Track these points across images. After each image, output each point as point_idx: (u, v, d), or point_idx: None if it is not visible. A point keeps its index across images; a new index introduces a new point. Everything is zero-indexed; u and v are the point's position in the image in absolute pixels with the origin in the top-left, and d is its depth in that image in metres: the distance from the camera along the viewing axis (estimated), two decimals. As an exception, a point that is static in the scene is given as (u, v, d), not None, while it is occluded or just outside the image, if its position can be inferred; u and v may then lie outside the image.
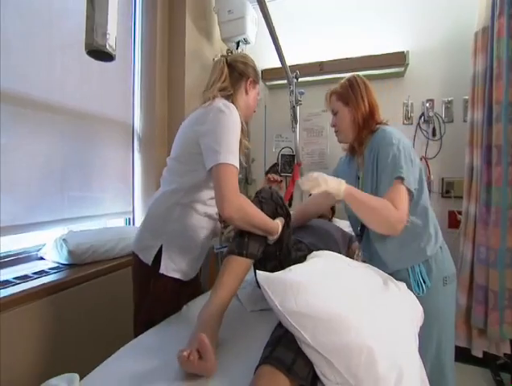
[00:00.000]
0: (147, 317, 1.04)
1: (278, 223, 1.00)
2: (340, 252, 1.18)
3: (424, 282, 1.04)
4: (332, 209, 1.79)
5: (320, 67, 2.11)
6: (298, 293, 0.68)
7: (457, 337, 1.73)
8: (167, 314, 1.03)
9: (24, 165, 1.27)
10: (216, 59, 2.03)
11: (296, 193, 2.19)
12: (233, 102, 1.05)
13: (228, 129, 0.95)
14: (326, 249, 1.01)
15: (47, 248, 1.37)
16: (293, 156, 2.29)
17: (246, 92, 1.16)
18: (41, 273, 1.23)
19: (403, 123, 2.06)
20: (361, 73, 1.99)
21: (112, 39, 0.51)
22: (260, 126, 2.39)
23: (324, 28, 2.23)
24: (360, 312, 0.69)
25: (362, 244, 1.22)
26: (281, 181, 1.49)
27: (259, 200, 1.01)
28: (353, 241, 1.49)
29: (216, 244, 1.68)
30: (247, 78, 1.15)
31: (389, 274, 0.95)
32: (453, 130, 1.95)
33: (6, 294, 1.03)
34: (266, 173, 2.39)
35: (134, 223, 1.87)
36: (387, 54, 1.96)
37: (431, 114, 1.96)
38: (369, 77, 2.02)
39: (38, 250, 1.40)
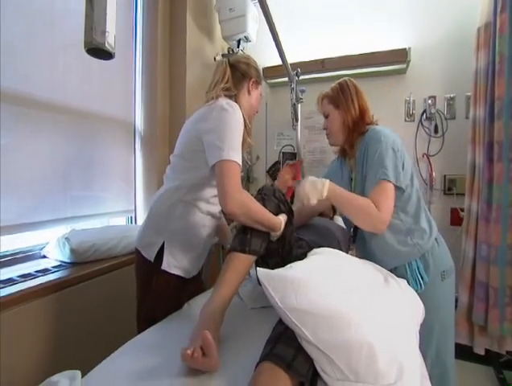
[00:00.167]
0: (149, 314, 1.05)
1: (281, 219, 1.00)
2: (341, 250, 1.19)
3: (422, 278, 1.04)
4: (333, 207, 1.79)
5: (321, 65, 2.10)
6: (298, 289, 0.69)
7: (459, 334, 1.73)
8: (168, 311, 1.04)
9: (27, 164, 1.27)
10: (217, 57, 2.06)
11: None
12: (235, 102, 1.06)
13: (231, 126, 0.95)
14: (327, 247, 1.01)
15: (50, 246, 1.38)
16: (294, 154, 2.29)
17: (249, 93, 1.16)
18: (44, 272, 1.24)
19: (405, 120, 2.05)
20: (362, 70, 2.04)
21: (111, 37, 0.51)
22: (261, 124, 2.38)
23: (325, 25, 2.22)
24: (360, 308, 0.69)
25: (357, 243, 1.24)
26: (300, 162, 1.52)
27: (262, 197, 1.02)
28: None
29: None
30: (249, 78, 1.16)
31: None
32: (455, 127, 1.94)
33: (9, 292, 1.04)
34: (268, 171, 2.40)
35: (136, 222, 1.88)
36: (389, 51, 1.95)
37: (433, 111, 1.95)
38: (371, 74, 2.06)
39: (41, 249, 1.41)
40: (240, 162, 0.94)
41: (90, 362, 0.75)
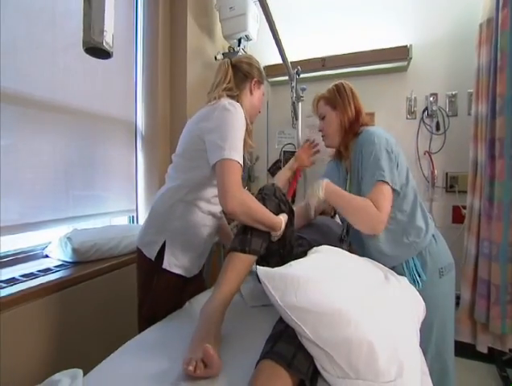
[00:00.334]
0: (150, 312, 1.05)
1: (282, 219, 1.00)
2: (341, 248, 1.19)
3: (419, 276, 1.04)
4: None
5: (322, 63, 2.09)
6: (298, 287, 0.69)
7: (462, 332, 1.72)
8: (169, 309, 1.04)
9: (29, 164, 1.28)
10: (218, 56, 2.06)
11: (299, 190, 2.19)
12: (238, 102, 1.06)
13: (232, 126, 0.95)
14: (328, 245, 1.01)
15: (52, 246, 1.39)
16: (295, 152, 2.28)
17: (251, 93, 1.17)
18: (46, 271, 1.24)
19: (406, 118, 2.04)
20: (363, 68, 2.02)
21: (109, 36, 0.51)
22: (262, 123, 2.38)
23: (325, 23, 2.21)
24: (360, 306, 0.69)
25: (353, 244, 1.26)
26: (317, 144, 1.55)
27: (262, 196, 1.02)
28: None
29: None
30: (252, 78, 1.16)
31: None
32: (457, 124, 1.93)
33: (12, 292, 1.05)
34: (269, 170, 2.40)
35: (137, 221, 1.88)
36: (390, 48, 1.93)
37: (434, 108, 1.93)
38: (372, 72, 2.05)
39: (43, 248, 1.42)
40: (241, 162, 0.94)
41: (92, 361, 0.76)
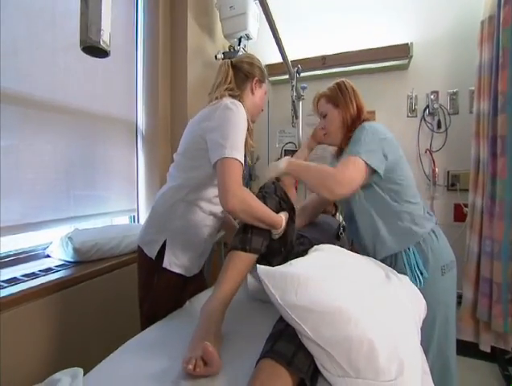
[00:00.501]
0: (151, 311, 1.06)
1: (282, 216, 0.99)
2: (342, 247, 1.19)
3: (421, 274, 1.04)
4: (335, 204, 1.79)
5: (322, 61, 2.09)
6: (298, 286, 0.69)
7: (464, 331, 1.72)
8: (170, 308, 1.04)
9: (30, 165, 1.29)
10: (218, 56, 2.06)
11: (301, 189, 2.19)
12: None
13: (234, 125, 0.95)
14: (329, 244, 1.01)
15: (54, 246, 1.40)
16: (296, 151, 2.28)
17: (252, 93, 1.16)
18: (48, 271, 1.25)
19: (407, 116, 2.03)
20: (364, 66, 2.02)
21: (106, 35, 0.51)
22: (263, 122, 2.38)
23: (326, 22, 2.20)
24: (361, 305, 0.69)
25: (353, 237, 1.26)
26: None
27: (263, 195, 1.01)
28: None
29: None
30: (253, 78, 1.15)
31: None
32: (459, 122, 1.92)
33: (14, 291, 1.05)
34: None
35: (138, 221, 1.88)
36: (391, 46, 1.93)
37: (435, 106, 1.93)
38: (373, 70, 2.04)
39: (44, 248, 1.42)
40: (242, 161, 0.94)
41: (93, 360, 0.76)
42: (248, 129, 1.03)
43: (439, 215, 1.95)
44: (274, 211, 0.98)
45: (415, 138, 2.00)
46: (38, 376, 1.06)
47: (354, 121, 1.16)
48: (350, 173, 1.00)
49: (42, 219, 1.33)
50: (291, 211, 1.06)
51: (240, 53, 1.97)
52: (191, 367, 0.66)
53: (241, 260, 0.91)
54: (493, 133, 1.61)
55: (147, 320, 1.01)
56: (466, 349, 1.71)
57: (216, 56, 2.09)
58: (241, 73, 1.14)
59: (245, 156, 0.97)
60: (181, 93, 1.92)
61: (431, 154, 1.96)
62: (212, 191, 1.05)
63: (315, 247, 0.94)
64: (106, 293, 1.36)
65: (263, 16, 1.41)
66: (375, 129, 1.08)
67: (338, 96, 1.19)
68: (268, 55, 2.16)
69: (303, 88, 1.93)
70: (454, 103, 1.94)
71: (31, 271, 1.23)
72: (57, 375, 0.66)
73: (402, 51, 1.91)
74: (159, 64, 1.85)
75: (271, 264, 0.97)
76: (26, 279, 1.16)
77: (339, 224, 1.43)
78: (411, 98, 2.01)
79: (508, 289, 1.54)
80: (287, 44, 1.66)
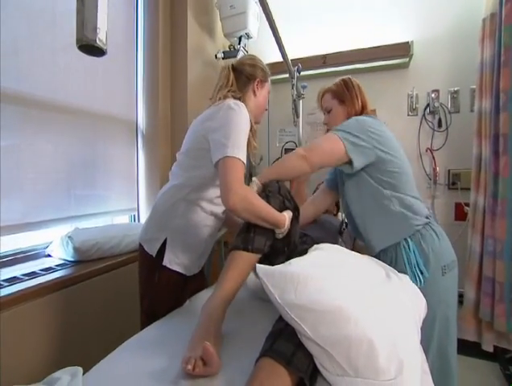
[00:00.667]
0: (151, 308, 1.06)
1: (286, 215, 0.98)
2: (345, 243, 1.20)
3: (422, 273, 1.03)
4: (337, 205, 1.78)
5: (323, 60, 2.08)
6: (297, 285, 0.68)
7: (466, 331, 1.71)
8: (170, 307, 1.05)
9: (31, 164, 1.29)
10: (218, 55, 2.06)
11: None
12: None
13: (236, 125, 0.95)
14: (332, 242, 1.00)
15: (54, 245, 1.40)
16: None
17: (255, 94, 1.16)
18: (48, 270, 1.25)
19: (408, 115, 2.03)
20: (364, 65, 2.01)
21: (102, 33, 0.51)
22: (263, 121, 2.35)
23: (326, 20, 2.19)
24: (360, 304, 0.69)
25: (352, 231, 1.27)
26: None
27: (266, 194, 1.00)
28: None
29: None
30: (254, 79, 1.15)
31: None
32: (460, 121, 1.91)
33: (14, 291, 1.05)
34: (270, 168, 2.39)
35: (138, 220, 1.89)
36: (391, 45, 1.93)
37: (436, 105, 1.92)
38: (373, 69, 2.04)
39: (45, 247, 1.42)
40: (244, 160, 0.93)
41: (93, 359, 0.76)
42: (251, 130, 1.03)
43: (440, 214, 1.94)
44: (277, 210, 0.96)
45: (416, 137, 1.99)
46: (38, 375, 1.06)
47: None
48: (319, 146, 1.08)
49: (42, 218, 1.34)
50: (295, 210, 1.04)
51: (240, 52, 1.97)
52: (190, 367, 0.66)
53: (243, 259, 0.90)
54: (495, 132, 1.60)
55: (147, 318, 1.01)
56: (466, 348, 1.70)
57: (216, 55, 2.09)
58: (242, 76, 1.14)
59: (247, 156, 0.97)
60: (181, 92, 1.92)
61: (431, 153, 1.95)
62: (214, 192, 1.05)
63: (316, 246, 0.94)
64: (106, 293, 1.36)
65: (263, 15, 1.41)
66: (363, 119, 1.10)
67: (344, 92, 1.20)
68: (268, 53, 2.15)
69: (304, 87, 1.92)
70: (455, 101, 1.93)
71: (32, 270, 1.23)
72: (57, 374, 0.66)
73: (402, 50, 1.91)
74: (159, 64, 1.85)
75: (273, 264, 0.96)
76: (26, 278, 1.16)
77: (342, 221, 1.44)
78: (412, 97, 2.00)
79: (511, 289, 1.53)
80: (288, 43, 1.66)
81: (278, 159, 2.35)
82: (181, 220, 1.04)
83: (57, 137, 1.39)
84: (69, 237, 1.34)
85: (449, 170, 1.94)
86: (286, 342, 0.69)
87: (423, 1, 1.97)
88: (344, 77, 1.24)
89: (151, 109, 1.87)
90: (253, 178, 1.05)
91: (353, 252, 0.99)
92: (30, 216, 1.28)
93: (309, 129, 2.26)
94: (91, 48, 0.54)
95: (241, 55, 1.95)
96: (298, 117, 1.93)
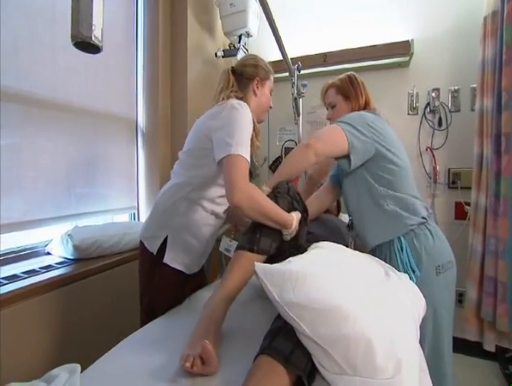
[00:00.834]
0: (150, 306, 1.06)
1: (294, 216, 0.96)
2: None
3: (414, 272, 1.03)
4: (338, 207, 1.78)
5: (323, 59, 2.08)
6: (296, 284, 0.68)
7: (468, 331, 1.70)
8: (169, 304, 1.05)
9: (32, 163, 1.29)
10: (218, 53, 2.05)
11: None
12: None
13: (240, 124, 0.95)
14: (334, 239, 1.00)
15: (54, 243, 1.40)
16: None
17: (255, 94, 1.16)
18: (48, 268, 1.25)
19: (408, 113, 2.02)
20: (364, 64, 2.01)
21: (98, 30, 0.51)
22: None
23: (327, 19, 2.19)
24: (359, 302, 0.68)
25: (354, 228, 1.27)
26: None
27: (275, 195, 0.99)
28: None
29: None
30: (253, 79, 1.15)
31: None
32: (460, 120, 1.91)
33: (14, 288, 1.06)
34: (270, 167, 2.39)
35: (138, 219, 1.89)
36: (391, 43, 1.92)
37: (436, 104, 1.91)
38: (373, 67, 2.03)
39: (45, 245, 1.43)
40: (248, 159, 0.94)
41: (93, 357, 0.76)
42: (254, 130, 1.04)
43: (440, 213, 1.94)
44: (285, 211, 0.95)
45: (416, 136, 1.98)
46: (37, 373, 1.06)
47: None
48: (325, 136, 1.07)
49: (43, 216, 1.34)
50: (304, 212, 1.03)
51: (240, 50, 1.97)
52: (188, 364, 0.66)
53: (247, 260, 0.89)
54: (496, 131, 1.59)
55: (147, 317, 1.01)
56: (466, 347, 1.70)
57: (216, 54, 2.08)
58: (242, 78, 1.15)
59: (251, 157, 0.97)
60: (181, 91, 1.92)
61: (431, 152, 1.95)
62: (215, 191, 1.05)
63: (315, 244, 0.93)
64: (106, 291, 1.36)
65: (263, 13, 1.41)
66: (364, 114, 1.11)
67: (349, 88, 1.21)
68: (269, 52, 2.14)
69: (304, 86, 1.92)
70: (455, 100, 1.92)
71: (31, 268, 1.23)
72: (55, 371, 0.66)
73: (403, 48, 1.90)
74: (159, 62, 1.85)
75: None
76: (26, 276, 1.16)
77: (350, 217, 1.42)
78: (412, 95, 2.00)
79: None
80: (288, 42, 1.65)
81: (278, 158, 2.36)
82: (182, 219, 1.04)
83: (57, 136, 1.39)
84: (69, 235, 1.34)
85: (449, 169, 1.94)
86: (284, 341, 0.69)
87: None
88: (349, 73, 1.24)
89: (151, 108, 1.87)
90: (263, 187, 1.04)
91: (353, 250, 0.99)
92: (30, 214, 1.29)
93: (309, 128, 2.26)
94: (86, 45, 0.53)
95: (241, 53, 1.95)
96: (298, 115, 1.93)
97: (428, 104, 1.95)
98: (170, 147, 1.91)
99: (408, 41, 1.88)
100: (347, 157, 1.07)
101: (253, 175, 2.42)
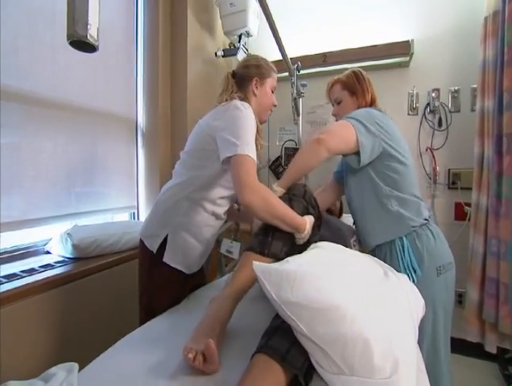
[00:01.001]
0: (149, 305, 1.06)
1: (307, 220, 0.95)
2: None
3: (415, 271, 1.03)
4: (341, 208, 1.77)
5: (323, 59, 2.08)
6: (294, 283, 0.68)
7: (469, 332, 1.69)
8: (169, 304, 1.05)
9: (32, 162, 1.29)
10: (218, 53, 2.05)
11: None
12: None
13: (244, 124, 0.96)
14: (336, 239, 1.00)
15: (53, 242, 1.40)
16: (297, 149, 2.27)
17: (254, 94, 1.16)
18: (47, 267, 1.26)
19: (408, 114, 2.01)
20: (365, 64, 2.00)
21: (93, 29, 0.51)
22: (263, 120, 2.37)
23: (327, 19, 2.18)
24: (357, 302, 0.68)
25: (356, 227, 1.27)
26: None
27: (289, 197, 0.99)
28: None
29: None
30: (251, 80, 1.15)
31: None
32: (460, 120, 1.90)
33: (13, 287, 1.06)
34: (270, 167, 2.39)
35: (138, 218, 1.89)
36: (391, 43, 1.91)
37: (436, 104, 1.91)
38: (373, 68, 2.03)
39: (44, 244, 1.43)
40: (255, 158, 0.93)
41: (92, 356, 0.76)
42: (257, 130, 1.04)
43: (440, 214, 1.93)
44: (299, 215, 0.95)
45: (416, 136, 1.98)
46: (36, 371, 1.06)
47: None
48: (335, 131, 1.06)
49: (42, 215, 1.34)
50: (318, 219, 1.02)
51: (240, 50, 1.97)
52: (191, 356, 0.66)
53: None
54: (498, 131, 1.58)
55: (146, 315, 1.01)
56: (466, 348, 1.70)
57: (216, 53, 2.08)
58: (241, 80, 1.15)
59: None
60: (181, 90, 1.92)
61: (431, 152, 1.94)
62: (217, 192, 1.05)
63: (314, 244, 0.93)
64: (105, 290, 1.36)
65: (263, 13, 1.40)
66: (372, 111, 1.10)
67: (355, 84, 1.20)
68: (268, 52, 2.13)
69: (303, 86, 1.92)
70: (455, 101, 1.92)
71: (31, 267, 1.23)
72: (53, 370, 0.66)
73: (403, 49, 1.89)
74: (159, 62, 1.85)
75: None
76: (25, 275, 1.16)
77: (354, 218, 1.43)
78: (412, 96, 1.99)
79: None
80: (288, 42, 1.65)
81: (278, 158, 2.36)
82: (183, 219, 1.04)
83: (57, 135, 1.40)
84: (68, 234, 1.34)
85: (449, 170, 1.93)
86: (281, 339, 0.69)
87: (424, -1, 1.96)
88: (355, 69, 1.23)
89: (151, 107, 1.87)
90: (274, 186, 1.03)
91: (352, 250, 0.99)
92: (30, 213, 1.29)
93: (309, 128, 2.26)
94: (82, 44, 0.53)
95: (241, 52, 1.95)
96: (298, 115, 1.93)
97: (428, 104, 1.95)
98: (170, 147, 1.91)
99: (408, 41, 1.88)
100: (356, 153, 1.06)
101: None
